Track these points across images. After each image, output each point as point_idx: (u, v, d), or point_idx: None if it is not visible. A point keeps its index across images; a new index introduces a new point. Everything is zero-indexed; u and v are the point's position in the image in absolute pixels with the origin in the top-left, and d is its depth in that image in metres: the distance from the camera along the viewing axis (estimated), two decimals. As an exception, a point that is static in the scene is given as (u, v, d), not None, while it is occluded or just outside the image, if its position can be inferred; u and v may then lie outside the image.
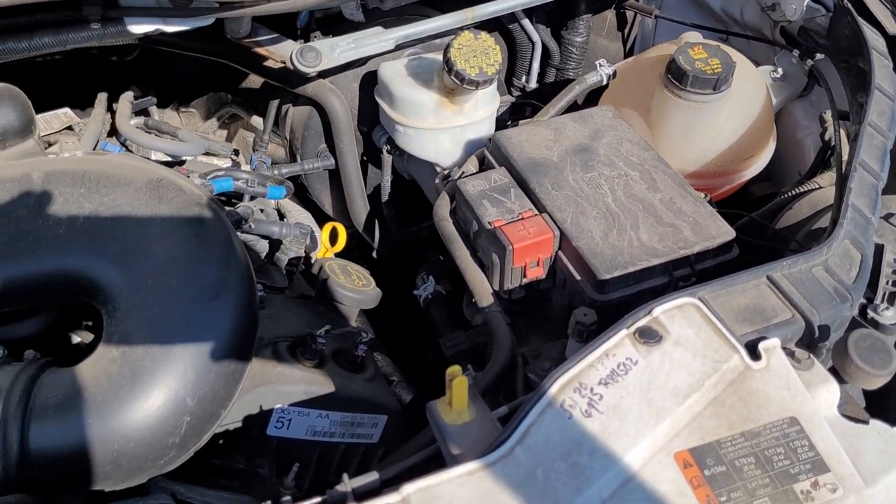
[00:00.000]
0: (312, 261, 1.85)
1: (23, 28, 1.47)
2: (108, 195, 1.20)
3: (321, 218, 2.04)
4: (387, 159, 1.85)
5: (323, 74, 1.80)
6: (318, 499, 0.98)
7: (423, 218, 2.01)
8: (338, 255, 1.92)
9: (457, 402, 1.02)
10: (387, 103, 1.73)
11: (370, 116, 1.88)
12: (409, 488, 0.92)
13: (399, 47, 1.77)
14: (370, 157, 1.96)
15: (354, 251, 2.07)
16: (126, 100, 1.87)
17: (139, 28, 1.55)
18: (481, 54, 1.57)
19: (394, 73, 1.72)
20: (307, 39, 1.79)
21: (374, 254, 2.04)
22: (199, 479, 1.39)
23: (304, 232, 1.78)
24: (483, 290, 1.46)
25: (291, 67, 1.66)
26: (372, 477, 1.00)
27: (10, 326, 1.25)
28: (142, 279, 1.17)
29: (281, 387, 1.38)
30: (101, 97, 1.92)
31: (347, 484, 0.98)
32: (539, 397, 1.01)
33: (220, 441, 1.34)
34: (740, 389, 1.02)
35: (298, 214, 2.02)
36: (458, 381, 1.01)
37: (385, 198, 1.90)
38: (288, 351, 1.43)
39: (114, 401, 1.12)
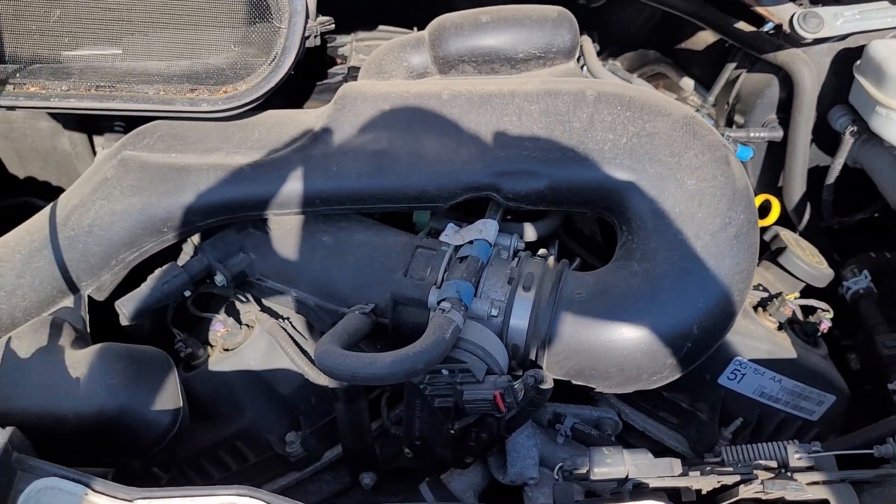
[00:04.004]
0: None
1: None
2: (649, 122, 1.27)
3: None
4: (846, 141, 1.77)
5: (796, 44, 1.75)
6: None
7: (859, 207, 1.91)
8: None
9: None
10: (872, 82, 1.64)
11: (831, 95, 1.80)
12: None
13: (898, 25, 1.67)
14: (814, 136, 1.89)
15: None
16: (590, 42, 1.96)
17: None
18: None
19: (889, 52, 1.62)
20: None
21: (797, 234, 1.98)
22: (642, 406, 1.47)
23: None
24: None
25: (787, 31, 1.64)
26: None
27: (531, 224, 1.39)
28: (672, 205, 1.23)
29: (746, 339, 1.39)
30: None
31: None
32: None
33: (672, 375, 1.38)
34: None
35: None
36: None
37: (830, 181, 1.82)
38: (751, 306, 1.44)
39: (632, 311, 1.21)
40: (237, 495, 0.89)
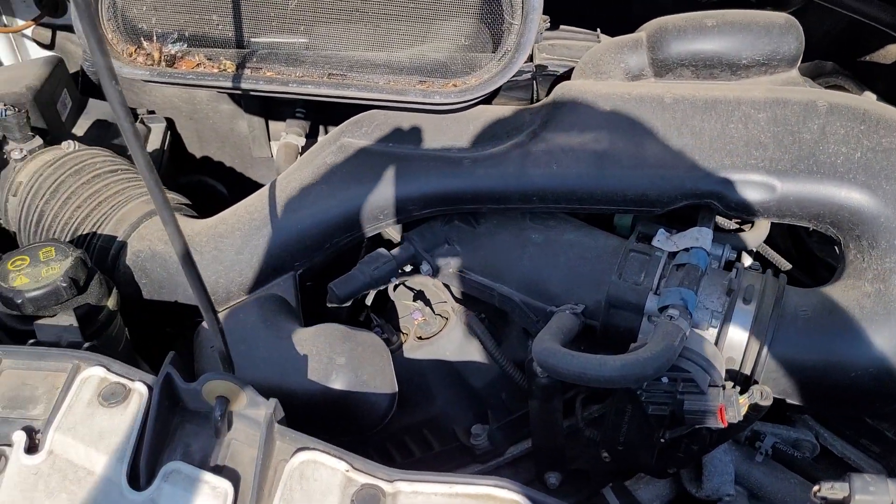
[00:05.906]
0: None
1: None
2: (885, 137, 1.21)
3: None
4: None
5: None
6: None
7: None
8: None
9: None
10: None
11: None
12: None
13: None
14: None
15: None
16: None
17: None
18: None
19: None
20: None
21: None
22: (842, 431, 1.41)
23: None
24: None
25: None
26: None
27: (741, 235, 1.35)
28: (909, 224, 1.17)
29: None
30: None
31: None
32: None
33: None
34: None
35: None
36: None
37: None
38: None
39: (864, 333, 1.16)
40: (495, 486, 0.90)
